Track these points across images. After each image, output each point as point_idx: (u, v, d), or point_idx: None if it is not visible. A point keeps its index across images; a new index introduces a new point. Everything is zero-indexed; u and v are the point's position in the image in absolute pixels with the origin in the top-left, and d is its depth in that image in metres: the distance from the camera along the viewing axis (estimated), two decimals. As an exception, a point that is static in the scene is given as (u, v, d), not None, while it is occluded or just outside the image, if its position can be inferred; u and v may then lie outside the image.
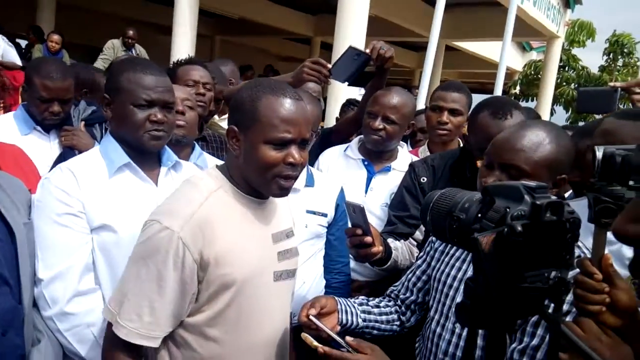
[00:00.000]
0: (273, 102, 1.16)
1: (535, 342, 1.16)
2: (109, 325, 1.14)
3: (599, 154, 0.98)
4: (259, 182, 1.19)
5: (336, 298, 1.44)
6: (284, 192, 1.20)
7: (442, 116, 2.26)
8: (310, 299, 1.86)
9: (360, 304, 1.48)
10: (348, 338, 1.19)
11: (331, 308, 1.39)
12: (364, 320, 1.45)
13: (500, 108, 1.73)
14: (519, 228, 0.62)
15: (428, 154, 2.35)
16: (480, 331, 1.20)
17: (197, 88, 2.28)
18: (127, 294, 1.12)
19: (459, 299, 1.31)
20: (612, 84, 1.86)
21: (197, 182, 1.22)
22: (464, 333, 1.27)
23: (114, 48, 6.82)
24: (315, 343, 1.16)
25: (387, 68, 2.13)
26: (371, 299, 1.54)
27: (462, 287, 1.31)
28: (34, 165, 1.73)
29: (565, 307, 1.15)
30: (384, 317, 1.49)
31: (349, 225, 1.57)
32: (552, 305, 0.66)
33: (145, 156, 1.48)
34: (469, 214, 0.72)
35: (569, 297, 1.15)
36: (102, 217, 1.36)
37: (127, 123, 1.43)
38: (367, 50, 1.99)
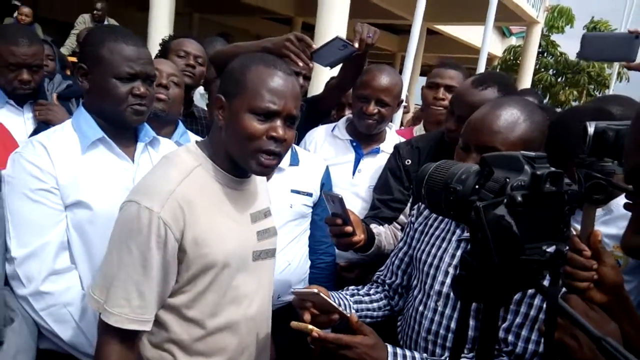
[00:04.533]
0: (263, 72, 1.13)
1: (519, 319, 1.18)
2: (100, 317, 1.09)
3: (591, 129, 0.98)
4: (240, 156, 1.15)
5: (329, 292, 1.43)
6: (264, 169, 1.14)
7: (438, 92, 2.24)
8: (295, 280, 1.87)
9: (352, 295, 1.48)
10: (353, 316, 1.18)
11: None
12: (357, 310, 1.45)
13: (481, 79, 1.73)
14: (519, 198, 0.60)
15: (424, 132, 2.34)
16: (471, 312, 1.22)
17: (188, 59, 2.22)
18: (113, 280, 1.07)
19: (440, 277, 1.31)
20: (631, 29, 1.69)
21: (175, 160, 1.17)
22: (447, 311, 1.29)
23: (85, 22, 6.61)
24: (310, 327, 1.14)
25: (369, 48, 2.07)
26: (360, 287, 1.54)
27: (443, 265, 1.32)
28: (14, 141, 1.65)
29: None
30: (375, 304, 1.49)
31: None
32: (549, 278, 0.65)
33: (120, 131, 1.42)
34: (466, 186, 0.70)
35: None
36: (76, 194, 1.31)
37: (108, 96, 1.36)
38: (355, 44, 1.86)
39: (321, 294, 1.19)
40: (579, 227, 1.07)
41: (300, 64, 1.79)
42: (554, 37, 12.67)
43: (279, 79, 1.13)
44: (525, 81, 10.96)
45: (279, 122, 1.12)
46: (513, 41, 14.75)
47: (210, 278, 1.14)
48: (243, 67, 1.15)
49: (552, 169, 0.64)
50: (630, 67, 1.80)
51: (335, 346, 1.14)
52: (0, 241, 1.23)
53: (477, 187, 0.68)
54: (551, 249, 0.65)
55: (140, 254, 1.06)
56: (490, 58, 13.50)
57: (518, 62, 11.79)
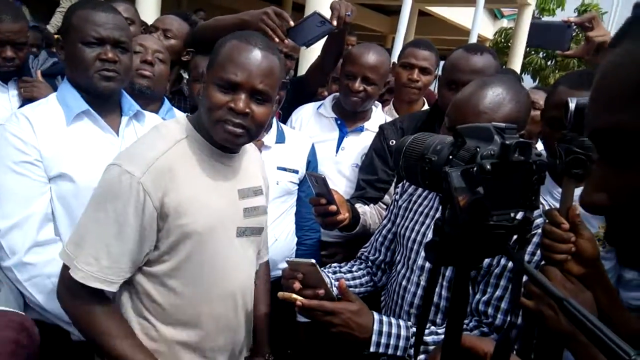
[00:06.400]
0: (235, 46, 1.13)
1: (498, 292, 1.21)
2: (65, 267, 1.11)
3: (572, 105, 0.99)
4: (208, 127, 1.16)
5: None
6: (228, 136, 1.14)
7: (413, 74, 2.24)
8: (282, 256, 1.89)
9: (334, 272, 1.49)
10: (342, 282, 1.20)
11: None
12: None
13: (474, 46, 1.78)
14: (488, 166, 0.62)
15: (394, 112, 2.35)
16: (444, 283, 1.25)
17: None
18: (85, 237, 1.09)
19: (423, 252, 1.33)
20: (565, 18, 1.70)
21: (162, 130, 1.19)
22: None
23: (71, 0, 6.48)
24: (294, 296, 1.16)
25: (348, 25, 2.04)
26: (343, 264, 1.56)
27: (426, 240, 1.34)
28: None
29: (526, 257, 1.20)
30: (357, 281, 1.51)
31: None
32: (517, 244, 0.68)
33: (105, 105, 1.43)
34: (441, 156, 0.71)
35: (530, 247, 1.20)
36: (60, 166, 1.32)
37: (77, 63, 1.37)
38: (333, 22, 1.85)
39: (317, 266, 1.21)
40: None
41: (276, 39, 1.78)
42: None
43: (248, 52, 1.12)
44: (516, 63, 10.95)
45: (241, 95, 1.12)
46: (504, 23, 14.69)
47: (189, 248, 1.15)
48: (222, 43, 1.16)
49: (521, 139, 0.66)
50: (565, 56, 1.80)
51: (321, 313, 1.15)
52: (-15, 213, 1.24)
53: (450, 157, 0.70)
54: (519, 216, 0.67)
55: (116, 216, 1.07)
56: (482, 40, 13.45)
57: (509, 44, 11.76)
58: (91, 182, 1.26)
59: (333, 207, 1.47)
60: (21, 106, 1.95)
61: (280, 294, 1.19)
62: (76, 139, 1.36)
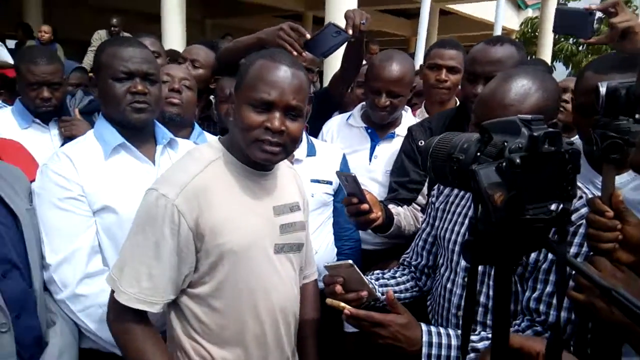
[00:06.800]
0: (263, 66, 1.15)
1: (549, 288, 1.16)
2: (112, 292, 1.15)
3: (603, 89, 0.97)
4: (244, 146, 1.18)
5: None
6: (267, 155, 1.16)
7: (441, 74, 2.22)
8: (322, 268, 1.89)
9: (377, 279, 1.48)
10: (390, 293, 1.18)
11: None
12: (383, 294, 1.45)
13: (495, 38, 1.76)
14: (517, 160, 0.61)
15: (426, 115, 2.32)
16: (490, 283, 1.22)
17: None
18: (127, 261, 1.14)
19: None
20: (587, 6, 1.65)
21: (195, 153, 1.23)
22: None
23: (101, 39, 6.77)
24: (342, 304, 1.16)
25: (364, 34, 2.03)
26: (386, 271, 1.54)
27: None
28: (32, 157, 1.73)
29: (574, 249, 1.16)
30: (401, 287, 1.49)
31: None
32: (557, 236, 0.66)
33: (139, 135, 1.48)
34: (468, 154, 0.71)
35: (577, 239, 1.16)
36: (102, 199, 1.37)
37: (109, 98, 1.42)
38: (350, 31, 1.87)
39: (355, 267, 1.20)
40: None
41: (295, 53, 1.81)
42: (571, 4, 12.28)
43: (278, 70, 1.14)
44: (546, 53, 10.67)
45: (276, 114, 1.14)
46: (529, 13, 14.37)
47: (228, 267, 1.17)
48: (249, 62, 1.19)
49: (550, 129, 0.65)
50: (589, 44, 1.73)
51: (369, 324, 1.14)
52: (37, 249, 1.30)
53: (478, 154, 0.69)
54: (556, 208, 0.66)
55: (154, 239, 1.11)
56: (507, 33, 13.18)
57: (536, 33, 11.48)
58: (133, 212, 1.29)
59: (365, 206, 1.46)
60: (62, 145, 2.05)
61: (328, 300, 1.18)
62: (115, 172, 1.41)
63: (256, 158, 1.18)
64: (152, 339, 1.16)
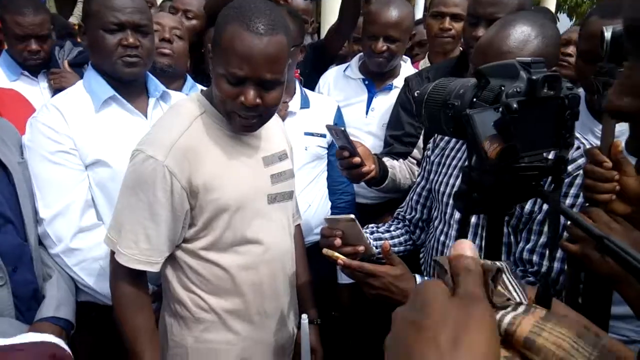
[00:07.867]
0: (236, 32, 1.07)
1: (542, 239, 1.16)
2: (112, 253, 1.17)
3: (608, 34, 0.92)
4: (223, 114, 1.17)
5: None
6: (244, 128, 1.16)
7: (444, 22, 2.15)
8: (316, 221, 1.89)
9: (372, 233, 1.48)
10: (386, 244, 1.18)
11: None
12: (377, 247, 1.46)
13: None
14: (515, 105, 0.58)
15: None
16: (484, 234, 1.22)
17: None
18: (123, 223, 1.14)
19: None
20: None
21: (179, 109, 1.19)
22: (469, 238, 1.28)
23: None
24: (337, 254, 1.16)
25: None
26: (380, 225, 1.54)
27: None
28: (32, 108, 1.69)
29: (569, 200, 1.15)
30: (396, 240, 1.50)
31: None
32: (552, 185, 0.64)
33: (130, 88, 1.44)
34: (464, 100, 0.67)
35: (573, 190, 1.15)
36: (94, 153, 1.35)
37: (100, 50, 1.37)
38: None
39: (356, 221, 1.19)
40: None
41: (281, 1, 1.73)
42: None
43: (251, 41, 1.06)
44: (550, 3, 10.36)
45: (249, 88, 1.09)
46: (535, -39, 13.86)
47: (225, 221, 1.17)
48: (222, 22, 1.10)
49: (549, 72, 0.62)
50: None
51: (362, 274, 1.15)
52: (30, 204, 1.28)
53: (474, 99, 0.67)
54: (553, 156, 0.64)
55: (148, 201, 1.11)
56: (512, -18, 12.73)
57: (541, -17, 11.10)
58: (126, 166, 1.29)
59: (357, 159, 1.44)
60: (52, 96, 2.01)
61: (324, 250, 1.18)
62: (107, 125, 1.38)
63: (234, 128, 1.17)
64: (150, 326, 1.19)
